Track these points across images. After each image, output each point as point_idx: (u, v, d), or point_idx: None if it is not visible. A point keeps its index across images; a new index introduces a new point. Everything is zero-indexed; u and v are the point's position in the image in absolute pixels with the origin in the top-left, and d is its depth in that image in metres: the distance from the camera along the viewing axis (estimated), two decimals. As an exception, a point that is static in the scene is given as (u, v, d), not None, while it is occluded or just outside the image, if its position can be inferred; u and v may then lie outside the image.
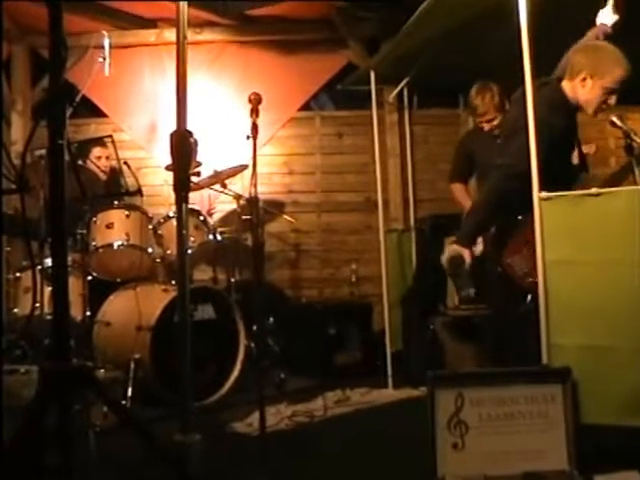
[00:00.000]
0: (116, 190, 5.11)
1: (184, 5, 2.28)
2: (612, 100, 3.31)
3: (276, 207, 6.27)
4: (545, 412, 2.85)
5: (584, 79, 3.32)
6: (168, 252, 4.90)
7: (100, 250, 4.67)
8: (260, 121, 3.45)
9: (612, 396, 2.95)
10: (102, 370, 4.40)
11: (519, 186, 3.19)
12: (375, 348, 5.41)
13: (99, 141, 5.46)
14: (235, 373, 4.62)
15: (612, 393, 2.95)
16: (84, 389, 2.19)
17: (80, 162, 4.90)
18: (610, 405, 2.95)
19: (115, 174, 5.44)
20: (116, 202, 4.86)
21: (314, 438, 3.84)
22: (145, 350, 4.29)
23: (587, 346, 3.01)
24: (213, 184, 5.41)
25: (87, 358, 4.35)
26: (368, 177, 6.13)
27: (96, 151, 5.41)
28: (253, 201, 3.51)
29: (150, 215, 4.93)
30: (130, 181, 4.76)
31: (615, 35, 3.66)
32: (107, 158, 5.46)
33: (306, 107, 6.75)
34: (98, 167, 5.36)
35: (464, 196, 4.96)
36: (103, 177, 5.47)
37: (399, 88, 5.88)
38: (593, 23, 3.75)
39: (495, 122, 4.66)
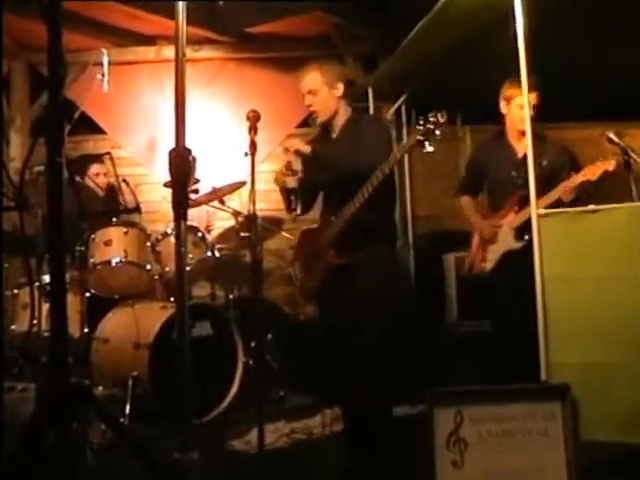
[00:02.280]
0: (114, 207, 5.11)
1: (183, 22, 2.28)
2: (305, 101, 3.67)
3: (274, 224, 6.24)
4: (544, 429, 2.84)
5: None
6: (166, 269, 4.88)
7: (98, 267, 4.67)
8: (258, 138, 3.45)
9: (611, 413, 2.94)
10: (100, 387, 4.39)
11: None
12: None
13: (97, 158, 5.46)
14: (233, 390, 4.59)
15: (611, 410, 2.95)
16: (82, 407, 2.17)
17: (78, 179, 4.91)
18: (609, 422, 2.95)
19: (113, 191, 5.45)
20: (114, 219, 4.86)
21: (313, 456, 3.82)
22: (143, 367, 4.27)
23: (585, 363, 3.01)
24: (211, 201, 5.41)
25: (85, 375, 4.33)
26: (366, 194, 6.12)
27: (94, 168, 5.43)
28: (251, 218, 3.51)
29: (148, 232, 4.93)
30: (128, 198, 4.76)
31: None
32: (105, 175, 5.47)
33: (304, 124, 6.75)
34: (96, 184, 5.35)
35: (472, 210, 4.75)
36: (101, 194, 5.47)
37: (397, 105, 5.88)
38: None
39: None
